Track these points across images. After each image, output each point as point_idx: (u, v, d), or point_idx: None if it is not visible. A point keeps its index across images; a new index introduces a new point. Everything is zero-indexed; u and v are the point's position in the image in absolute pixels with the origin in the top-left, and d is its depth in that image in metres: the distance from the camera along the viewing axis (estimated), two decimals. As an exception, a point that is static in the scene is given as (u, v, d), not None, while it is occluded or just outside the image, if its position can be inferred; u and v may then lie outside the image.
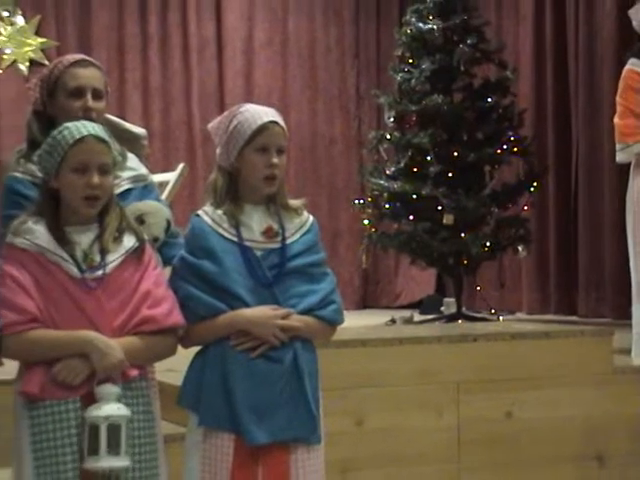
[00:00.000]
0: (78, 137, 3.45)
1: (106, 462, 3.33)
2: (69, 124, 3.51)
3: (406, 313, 9.52)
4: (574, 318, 9.88)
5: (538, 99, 10.35)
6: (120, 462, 3.36)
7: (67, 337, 3.40)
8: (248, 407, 3.55)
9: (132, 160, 4.06)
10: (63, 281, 3.43)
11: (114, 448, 3.33)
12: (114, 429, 3.33)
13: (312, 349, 3.72)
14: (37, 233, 3.46)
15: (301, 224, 3.77)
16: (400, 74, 8.96)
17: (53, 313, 3.41)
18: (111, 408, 3.34)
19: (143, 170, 4.11)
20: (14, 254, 3.46)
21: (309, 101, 10.43)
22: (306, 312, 3.65)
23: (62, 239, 3.46)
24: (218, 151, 3.75)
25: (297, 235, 3.74)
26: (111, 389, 3.37)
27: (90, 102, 3.90)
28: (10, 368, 3.63)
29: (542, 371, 5.58)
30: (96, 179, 3.46)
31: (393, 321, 9.04)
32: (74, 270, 3.45)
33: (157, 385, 3.75)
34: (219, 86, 10.02)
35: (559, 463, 5.57)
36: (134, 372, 3.46)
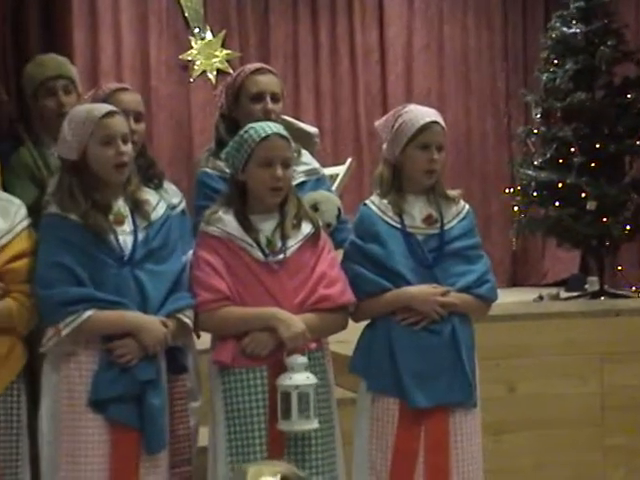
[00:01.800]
0: (264, 135, 3.49)
1: (298, 425, 3.38)
2: (254, 124, 3.55)
3: (552, 290, 9.36)
4: None
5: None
6: (310, 425, 3.40)
7: (254, 313, 3.45)
8: (411, 374, 3.55)
9: (306, 156, 4.08)
10: (249, 264, 3.48)
11: (304, 412, 3.37)
12: (303, 396, 3.37)
13: (469, 323, 3.70)
14: (226, 221, 3.52)
15: (458, 212, 3.75)
16: (546, 74, 8.83)
17: (241, 292, 3.47)
18: (301, 377, 3.38)
19: (316, 164, 4.14)
20: (207, 240, 3.53)
21: (463, 100, 10.33)
22: (463, 290, 3.64)
23: (248, 227, 3.51)
24: (384, 146, 3.75)
25: (454, 221, 3.72)
26: (300, 359, 3.41)
27: (269, 105, 3.93)
28: (205, 340, 3.70)
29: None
30: (280, 172, 3.49)
31: (541, 298, 8.90)
32: (259, 254, 3.50)
33: (330, 355, 3.77)
34: (382, 88, 10.00)
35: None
36: (313, 345, 3.49)
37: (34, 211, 3.60)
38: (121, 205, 3.46)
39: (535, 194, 8.77)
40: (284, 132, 3.54)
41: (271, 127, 3.52)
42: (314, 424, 3.41)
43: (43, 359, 3.44)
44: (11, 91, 4.80)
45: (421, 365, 3.55)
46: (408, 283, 3.60)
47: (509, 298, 7.92)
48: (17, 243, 3.46)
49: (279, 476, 2.05)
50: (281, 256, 3.50)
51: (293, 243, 3.53)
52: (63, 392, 3.35)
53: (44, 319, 3.38)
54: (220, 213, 3.54)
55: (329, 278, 3.54)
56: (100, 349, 3.36)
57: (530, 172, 8.72)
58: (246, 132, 3.52)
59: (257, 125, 3.53)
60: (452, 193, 3.77)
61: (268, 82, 3.97)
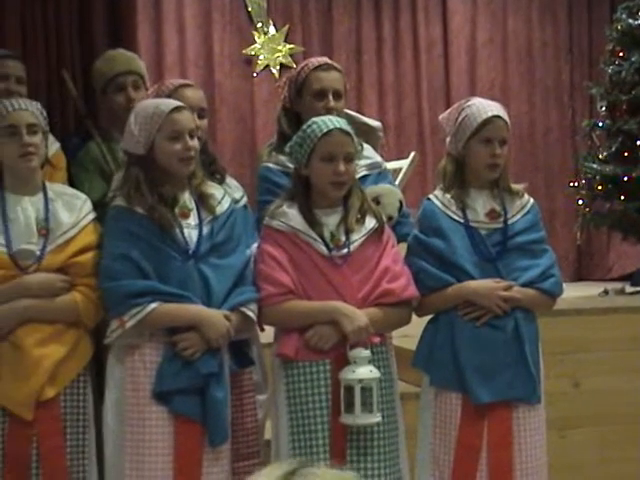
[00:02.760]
0: (326, 130, 3.49)
1: (361, 419, 3.38)
2: (317, 119, 3.55)
3: (618, 285, 9.25)
4: None
5: None
6: (373, 419, 3.40)
7: (318, 307, 3.45)
8: (474, 369, 3.54)
9: (368, 150, 4.07)
10: (313, 258, 3.49)
11: (367, 406, 3.37)
12: (366, 389, 3.37)
13: (532, 318, 3.67)
14: (290, 216, 3.53)
15: (522, 206, 3.72)
16: (611, 67, 8.71)
17: (305, 286, 3.47)
18: (364, 371, 3.38)
19: (378, 158, 4.13)
20: (271, 235, 3.53)
21: (527, 93, 10.23)
22: (527, 285, 3.61)
23: (312, 221, 3.52)
24: (447, 140, 3.74)
25: (518, 216, 3.69)
26: (363, 353, 3.41)
27: (331, 102, 3.92)
28: (269, 333, 3.71)
29: None
30: (342, 167, 3.48)
31: (606, 292, 8.79)
32: (323, 249, 3.50)
33: (394, 349, 3.76)
34: (445, 82, 9.94)
35: None
36: (376, 339, 3.49)
37: (102, 205, 3.63)
38: (187, 199, 3.48)
39: (600, 188, 8.66)
40: (347, 127, 3.53)
41: (334, 122, 3.51)
42: (377, 418, 3.40)
43: (108, 352, 3.47)
44: (79, 87, 4.85)
45: (484, 360, 3.53)
46: (471, 278, 3.58)
47: (574, 293, 7.84)
48: (82, 237, 3.50)
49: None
50: (345, 250, 3.50)
51: (357, 237, 3.52)
52: (127, 384, 3.38)
53: (109, 311, 3.41)
54: (284, 207, 3.54)
55: (393, 273, 3.53)
56: (164, 342, 3.38)
57: (595, 166, 8.62)
58: (309, 127, 3.52)
59: (320, 120, 3.53)
60: (516, 187, 3.74)
61: (331, 79, 3.96)
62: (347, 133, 3.51)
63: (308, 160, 3.50)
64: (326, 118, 3.55)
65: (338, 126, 3.50)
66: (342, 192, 3.54)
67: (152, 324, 3.36)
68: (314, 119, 3.55)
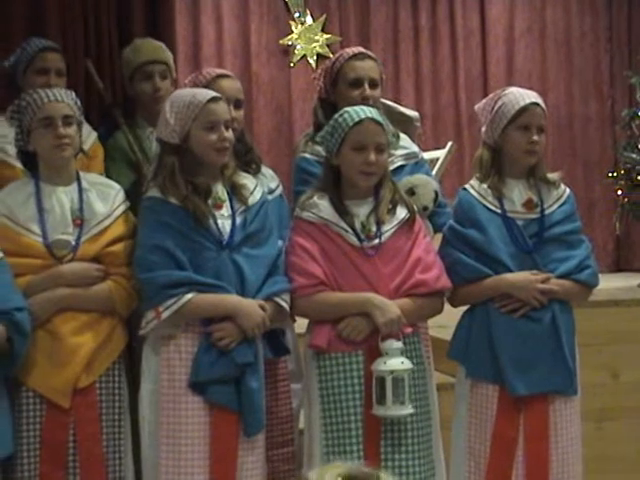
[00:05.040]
0: (357, 120, 3.47)
1: (392, 411, 3.36)
2: (349, 108, 3.53)
3: (657, 275, 9.19)
4: None
5: None
6: (405, 410, 3.38)
7: (350, 298, 3.44)
8: (511, 361, 3.51)
9: (404, 140, 4.05)
10: (345, 249, 3.47)
11: (399, 398, 3.36)
12: (398, 381, 3.35)
13: (569, 309, 3.64)
14: (321, 207, 3.51)
15: (558, 196, 3.69)
16: (651, 55, 8.65)
17: (337, 277, 3.46)
18: (395, 362, 3.36)
19: (414, 148, 4.11)
20: (302, 226, 3.52)
21: (565, 83, 10.15)
22: (564, 276, 3.58)
23: (343, 212, 3.50)
24: (483, 129, 3.71)
25: (555, 206, 3.66)
26: (395, 344, 3.39)
27: (367, 91, 3.91)
28: (301, 323, 3.70)
29: None
30: (372, 157, 3.46)
31: (645, 283, 8.73)
32: (354, 239, 3.48)
33: (430, 340, 3.74)
34: (483, 71, 9.88)
35: None
36: (409, 329, 3.47)
37: (130, 194, 3.64)
38: (220, 189, 3.48)
39: (639, 178, 8.59)
40: (379, 117, 3.51)
41: (365, 111, 3.49)
42: (408, 409, 3.38)
43: (143, 342, 3.48)
44: (115, 76, 4.88)
45: (521, 352, 3.51)
46: (508, 269, 3.56)
47: (612, 283, 7.77)
48: (116, 227, 3.51)
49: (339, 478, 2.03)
50: (376, 241, 3.48)
51: (388, 228, 3.50)
52: (163, 374, 3.38)
53: (144, 302, 3.41)
54: (315, 198, 3.53)
55: (425, 263, 3.51)
56: (199, 332, 3.38)
57: (634, 156, 8.53)
58: (340, 116, 3.50)
59: (351, 109, 3.51)
60: (552, 176, 3.71)
61: (367, 68, 3.95)
62: (379, 123, 3.49)
63: (339, 149, 3.49)
64: (358, 107, 3.53)
65: (370, 116, 3.47)
66: (372, 182, 3.52)
67: (188, 315, 3.35)
68: (346, 108, 3.53)
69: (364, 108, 3.53)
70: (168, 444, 3.35)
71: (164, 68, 4.23)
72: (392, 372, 3.34)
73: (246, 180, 3.56)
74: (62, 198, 3.48)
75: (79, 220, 3.47)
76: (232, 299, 3.37)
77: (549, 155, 9.26)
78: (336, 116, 3.52)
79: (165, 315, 3.33)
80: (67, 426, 3.39)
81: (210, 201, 3.44)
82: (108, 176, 3.90)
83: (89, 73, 4.61)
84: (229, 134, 3.45)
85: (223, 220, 3.44)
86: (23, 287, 3.37)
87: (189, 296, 3.33)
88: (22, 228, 3.43)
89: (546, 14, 10.10)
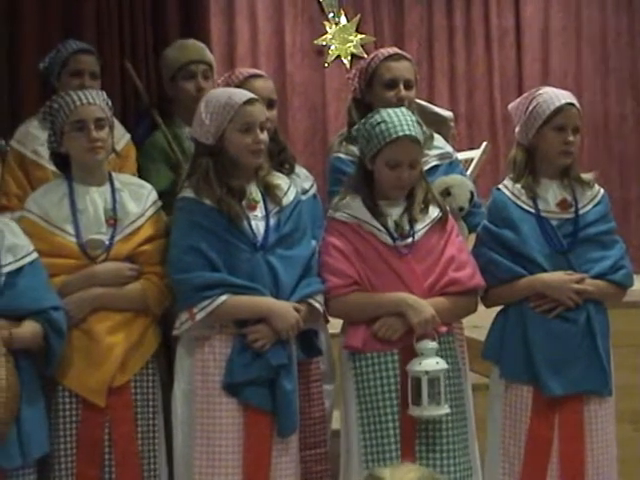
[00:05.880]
0: (394, 137, 3.42)
1: (428, 411, 3.36)
2: (387, 115, 3.46)
3: (694, 276, 9.12)
4: None
5: None
6: (440, 410, 3.38)
7: (384, 298, 3.43)
8: (546, 362, 3.50)
9: (438, 140, 4.05)
10: (378, 248, 3.47)
11: (434, 398, 3.35)
12: (434, 381, 3.35)
13: (604, 310, 3.63)
14: (354, 207, 3.51)
15: (592, 196, 3.67)
16: (688, 54, 8.60)
17: (371, 277, 3.46)
18: (431, 363, 3.36)
19: (448, 148, 4.10)
20: (335, 226, 3.52)
21: (601, 83, 10.08)
22: (598, 276, 3.56)
23: (376, 211, 3.49)
24: (517, 129, 3.69)
25: (589, 206, 3.64)
26: (430, 345, 3.39)
27: (402, 92, 3.91)
28: (335, 324, 3.70)
29: None
30: (406, 174, 3.45)
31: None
32: (387, 239, 3.47)
33: (464, 340, 3.73)
34: (517, 71, 9.83)
35: None
36: (443, 329, 3.46)
37: (169, 194, 3.65)
38: (254, 190, 3.48)
39: (676, 177, 8.55)
40: (415, 131, 3.45)
41: (403, 126, 3.44)
42: (444, 409, 3.38)
43: (177, 342, 3.49)
44: (151, 76, 4.89)
45: (555, 353, 3.49)
46: (542, 269, 3.54)
47: (647, 284, 7.71)
48: (149, 226, 3.53)
49: None
50: (409, 240, 3.48)
51: (421, 227, 3.50)
52: (197, 375, 3.39)
53: (178, 303, 3.42)
54: (348, 199, 3.53)
55: (458, 262, 3.50)
56: (233, 333, 3.38)
57: (671, 155, 8.50)
58: (379, 125, 3.46)
59: (390, 120, 3.45)
60: (587, 176, 3.69)
61: (402, 69, 3.95)
62: (415, 140, 3.46)
63: (373, 158, 3.48)
64: (395, 118, 3.45)
65: (407, 133, 3.43)
66: (403, 194, 3.52)
67: (222, 316, 3.36)
68: (384, 116, 3.47)
69: (401, 119, 3.45)
70: (202, 445, 3.36)
71: (207, 68, 4.24)
72: (427, 372, 3.34)
73: (280, 180, 3.55)
74: (95, 198, 3.50)
75: (112, 220, 3.49)
76: (266, 301, 3.38)
77: (584, 155, 9.21)
78: (373, 122, 3.47)
79: (199, 316, 3.34)
80: (102, 425, 3.41)
81: (244, 202, 3.44)
82: (147, 176, 3.91)
83: (129, 75, 4.62)
84: (264, 136, 3.45)
85: (257, 221, 3.44)
86: (58, 287, 3.39)
87: (223, 298, 3.34)
88: (56, 228, 3.45)
89: (582, 13, 10.04)
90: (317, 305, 3.45)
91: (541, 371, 3.49)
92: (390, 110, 3.51)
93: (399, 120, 3.46)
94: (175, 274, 3.40)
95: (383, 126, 3.45)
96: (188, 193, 3.43)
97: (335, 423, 3.85)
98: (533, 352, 3.50)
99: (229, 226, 3.39)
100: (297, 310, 3.38)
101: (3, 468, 3.22)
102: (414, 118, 3.51)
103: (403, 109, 3.55)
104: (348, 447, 3.52)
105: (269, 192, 3.49)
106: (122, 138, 4.06)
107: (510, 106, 3.76)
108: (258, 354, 3.35)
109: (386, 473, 2.10)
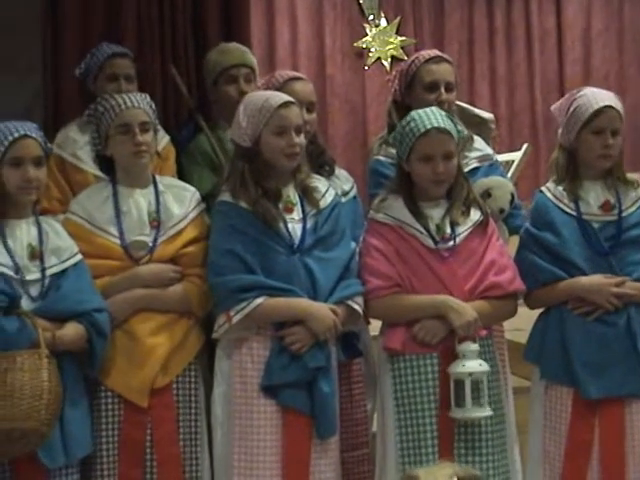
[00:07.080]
0: (423, 131, 3.44)
1: (471, 413, 3.36)
2: (416, 114, 3.48)
3: None
4: None
5: None
6: (483, 412, 3.38)
7: (425, 300, 3.44)
8: (584, 364, 3.48)
9: (479, 142, 4.04)
10: (419, 251, 3.47)
11: (477, 400, 3.35)
12: (476, 383, 3.35)
13: (645, 313, 3.60)
14: (395, 208, 3.51)
15: (637, 197, 3.64)
16: None
17: (411, 279, 3.46)
18: (473, 365, 3.36)
19: (488, 150, 4.09)
20: (376, 228, 3.53)
21: (644, 83, 10.04)
22: (639, 280, 3.53)
23: (417, 213, 3.50)
24: (559, 131, 3.68)
25: (633, 208, 3.61)
26: (472, 347, 3.39)
27: (443, 95, 3.90)
28: (375, 325, 3.71)
29: None
30: (441, 167, 3.45)
31: None
32: (429, 241, 3.48)
33: (505, 342, 3.73)
34: (559, 72, 9.81)
35: None
36: (483, 332, 3.46)
37: (213, 197, 3.67)
38: (291, 193, 3.50)
39: None
40: (445, 123, 3.46)
41: (431, 119, 3.46)
42: (487, 411, 3.38)
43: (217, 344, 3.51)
44: (192, 79, 4.93)
45: (595, 355, 3.47)
46: (582, 272, 3.53)
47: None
48: (191, 228, 3.55)
49: (455, 478, 2.05)
50: (451, 243, 3.48)
51: (462, 230, 3.50)
52: (235, 377, 3.41)
53: (216, 306, 3.45)
54: (389, 200, 3.54)
55: (499, 265, 3.50)
56: (271, 336, 3.40)
57: None
58: (407, 124, 3.48)
59: (418, 117, 3.47)
60: (631, 177, 3.67)
61: (442, 71, 3.94)
62: (445, 131, 3.46)
63: (408, 157, 3.49)
64: (423, 114, 3.48)
65: (435, 125, 3.44)
66: (443, 190, 3.52)
67: (259, 319, 3.38)
68: (412, 114, 3.50)
69: (430, 115, 3.47)
70: (241, 446, 3.38)
71: (249, 72, 4.24)
72: (471, 374, 3.34)
73: (318, 183, 3.57)
74: (139, 200, 3.53)
75: (156, 222, 3.51)
76: (302, 303, 3.39)
77: (628, 156, 9.16)
78: (404, 122, 3.50)
79: (236, 319, 3.36)
80: (145, 426, 3.43)
81: (281, 205, 3.46)
82: (190, 178, 3.93)
83: (170, 78, 4.65)
84: (300, 139, 3.46)
85: (294, 224, 3.46)
86: (101, 288, 3.42)
87: (259, 300, 3.36)
88: (100, 230, 3.48)
89: (623, 14, 9.99)
90: (356, 307, 3.46)
91: (580, 374, 3.47)
92: (420, 110, 3.53)
93: (427, 115, 3.48)
94: (212, 277, 3.43)
95: (412, 124, 3.46)
96: (225, 196, 3.46)
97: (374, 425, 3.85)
98: (572, 355, 3.49)
99: (265, 228, 3.41)
100: (335, 312, 3.39)
101: (47, 468, 3.26)
102: (444, 113, 3.52)
103: (433, 107, 3.56)
104: (384, 449, 3.52)
105: (307, 195, 3.51)
106: (162, 139, 4.09)
107: (553, 107, 3.74)
108: (296, 356, 3.37)
109: (420, 472, 2.11)
